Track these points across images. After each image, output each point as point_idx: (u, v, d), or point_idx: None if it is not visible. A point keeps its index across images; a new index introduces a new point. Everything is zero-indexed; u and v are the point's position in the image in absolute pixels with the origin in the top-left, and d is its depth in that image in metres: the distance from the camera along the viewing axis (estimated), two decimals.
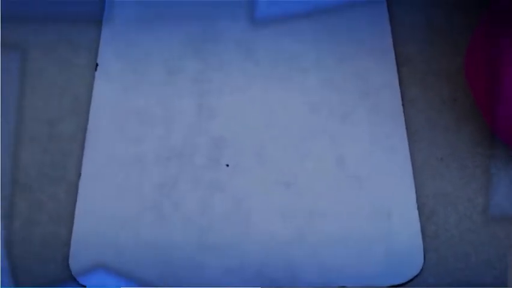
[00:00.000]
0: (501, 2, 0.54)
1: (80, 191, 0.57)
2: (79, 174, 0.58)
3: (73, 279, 0.53)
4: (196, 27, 0.67)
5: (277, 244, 0.54)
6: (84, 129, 0.61)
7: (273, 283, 0.52)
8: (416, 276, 0.52)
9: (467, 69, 0.57)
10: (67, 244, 0.55)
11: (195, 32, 0.67)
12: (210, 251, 0.54)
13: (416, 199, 0.56)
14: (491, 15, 0.55)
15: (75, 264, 0.54)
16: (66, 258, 0.54)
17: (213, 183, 0.57)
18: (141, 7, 0.68)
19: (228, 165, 0.58)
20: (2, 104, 0.62)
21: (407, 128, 0.59)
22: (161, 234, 0.55)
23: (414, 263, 0.53)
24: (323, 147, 0.59)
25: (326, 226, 0.55)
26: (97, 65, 0.65)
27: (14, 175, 0.58)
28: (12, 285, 0.53)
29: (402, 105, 0.61)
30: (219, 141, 0.60)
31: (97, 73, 0.64)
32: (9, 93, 0.63)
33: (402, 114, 0.60)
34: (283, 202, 0.56)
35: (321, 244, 0.54)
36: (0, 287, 0.53)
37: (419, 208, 0.55)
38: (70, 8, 0.69)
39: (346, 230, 0.55)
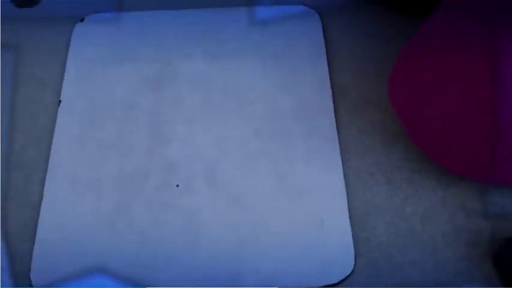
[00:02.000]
0: (421, 33, 0.61)
1: (42, 211, 0.62)
2: (42, 197, 0.63)
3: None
4: (153, 67, 0.73)
5: (223, 253, 0.59)
6: (47, 158, 0.66)
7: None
8: (348, 276, 0.57)
9: (391, 93, 0.63)
10: (29, 258, 0.60)
11: (152, 70, 0.73)
12: (161, 262, 0.59)
13: (348, 210, 0.61)
14: (410, 46, 0.62)
15: (36, 278, 0.58)
16: (28, 271, 0.59)
17: (165, 202, 0.63)
18: (103, 48, 0.75)
19: (178, 186, 0.64)
20: None
21: (340, 149, 0.66)
22: (117, 249, 0.60)
23: (346, 265, 0.58)
24: (265, 168, 0.65)
25: (267, 235, 0.60)
26: (60, 101, 0.71)
27: None
28: (12, 285, 0.57)
29: (337, 128, 0.67)
30: (170, 165, 0.65)
31: (60, 108, 0.70)
32: None
33: (337, 136, 0.67)
34: (229, 216, 0.62)
35: (262, 251, 0.59)
36: (0, 287, 0.57)
37: (350, 218, 0.61)
38: (38, 50, 0.76)
39: (284, 238, 0.60)
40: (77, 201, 0.63)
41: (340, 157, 0.65)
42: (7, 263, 0.58)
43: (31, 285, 0.58)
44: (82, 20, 0.78)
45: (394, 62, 0.63)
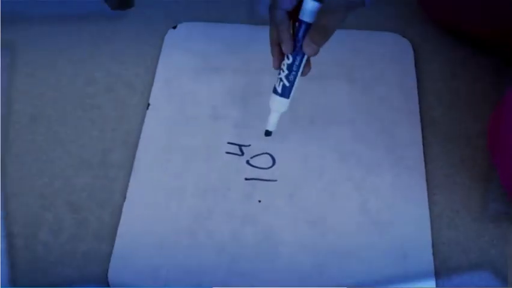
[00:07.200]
0: None
1: (124, 213, 0.63)
2: (124, 198, 0.64)
3: None
4: (240, 80, 0.74)
5: (300, 275, 0.59)
6: (132, 160, 0.67)
7: None
8: None
9: (490, 135, 0.61)
10: (107, 260, 0.60)
11: (239, 83, 0.73)
12: (238, 277, 0.59)
13: (432, 245, 0.60)
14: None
15: (113, 278, 0.59)
16: (105, 272, 0.59)
17: (245, 216, 0.63)
18: (193, 56, 0.76)
19: (260, 201, 0.63)
20: (63, 132, 0.69)
21: (427, 182, 0.64)
22: (195, 259, 0.60)
23: None
24: (348, 193, 0.64)
25: (347, 262, 0.59)
26: (148, 104, 0.71)
27: (66, 195, 0.64)
28: (11, 285, 0.58)
29: (424, 161, 0.66)
30: (253, 180, 0.65)
31: (148, 111, 0.71)
32: (68, 122, 0.70)
33: (424, 169, 0.65)
34: (309, 239, 0.61)
35: (341, 277, 0.58)
36: (0, 287, 0.58)
37: (434, 253, 0.59)
38: (129, 53, 0.77)
39: (365, 267, 0.59)
40: (159, 207, 0.63)
41: (426, 191, 0.64)
42: (6, 263, 0.59)
43: (108, 286, 0.58)
44: (175, 27, 0.79)
45: (496, 108, 0.60)
